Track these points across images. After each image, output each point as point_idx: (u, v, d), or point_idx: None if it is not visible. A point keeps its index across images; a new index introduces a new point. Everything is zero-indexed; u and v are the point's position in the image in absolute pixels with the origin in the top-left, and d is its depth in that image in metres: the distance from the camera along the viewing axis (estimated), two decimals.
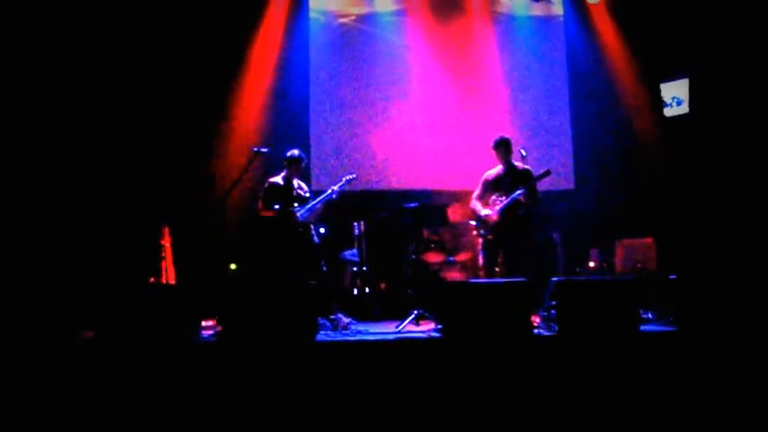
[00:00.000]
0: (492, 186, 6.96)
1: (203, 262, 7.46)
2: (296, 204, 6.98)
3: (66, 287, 6.98)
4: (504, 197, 6.79)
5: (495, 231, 6.85)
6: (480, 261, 7.18)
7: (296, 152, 7.18)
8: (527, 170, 6.88)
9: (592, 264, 8.30)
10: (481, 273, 7.15)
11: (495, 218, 6.80)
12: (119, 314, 5.39)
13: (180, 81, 8.36)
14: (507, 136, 7.02)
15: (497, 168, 7.05)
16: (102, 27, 8.12)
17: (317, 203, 7.00)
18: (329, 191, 7.02)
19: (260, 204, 7.05)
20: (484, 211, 6.92)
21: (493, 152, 7.00)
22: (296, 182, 7.17)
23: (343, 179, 7.12)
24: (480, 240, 7.12)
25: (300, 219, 6.92)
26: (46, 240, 7.51)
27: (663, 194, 8.84)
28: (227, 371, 5.13)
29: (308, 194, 7.16)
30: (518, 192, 6.70)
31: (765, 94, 8.77)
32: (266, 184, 7.12)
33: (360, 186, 7.31)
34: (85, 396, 4.96)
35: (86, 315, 5.74)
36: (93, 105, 8.07)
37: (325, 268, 6.97)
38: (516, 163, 6.97)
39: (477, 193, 7.10)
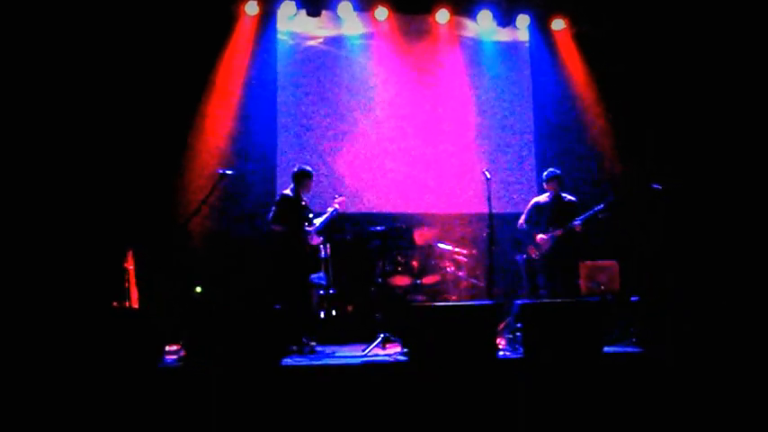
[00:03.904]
0: (540, 213, 7.60)
1: (167, 285, 7.37)
2: (306, 222, 7.04)
3: (27, 312, 6.83)
4: (554, 228, 7.48)
5: (547, 255, 7.48)
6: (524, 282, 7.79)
7: (306, 167, 7.21)
8: (573, 202, 7.66)
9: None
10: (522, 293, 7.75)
11: (547, 247, 7.45)
12: (81, 339, 5.32)
13: (145, 103, 8.30)
14: (559, 171, 7.73)
15: (544, 196, 7.76)
16: (68, 50, 8.05)
17: (325, 221, 7.20)
18: (331, 209, 7.24)
19: (272, 216, 7.02)
20: (539, 236, 7.52)
21: (545, 184, 7.74)
22: (304, 198, 7.17)
23: (335, 202, 7.35)
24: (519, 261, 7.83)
25: (312, 241, 7.04)
26: (6, 264, 7.36)
27: (626, 217, 8.96)
28: (192, 396, 5.07)
29: (311, 214, 7.19)
30: (574, 222, 7.39)
31: (726, 109, 9.02)
32: (279, 197, 7.12)
33: (326, 209, 7.33)
34: (47, 423, 4.87)
35: (48, 340, 5.63)
36: (58, 128, 7.96)
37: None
38: (563, 194, 7.68)
39: (525, 217, 7.75)
